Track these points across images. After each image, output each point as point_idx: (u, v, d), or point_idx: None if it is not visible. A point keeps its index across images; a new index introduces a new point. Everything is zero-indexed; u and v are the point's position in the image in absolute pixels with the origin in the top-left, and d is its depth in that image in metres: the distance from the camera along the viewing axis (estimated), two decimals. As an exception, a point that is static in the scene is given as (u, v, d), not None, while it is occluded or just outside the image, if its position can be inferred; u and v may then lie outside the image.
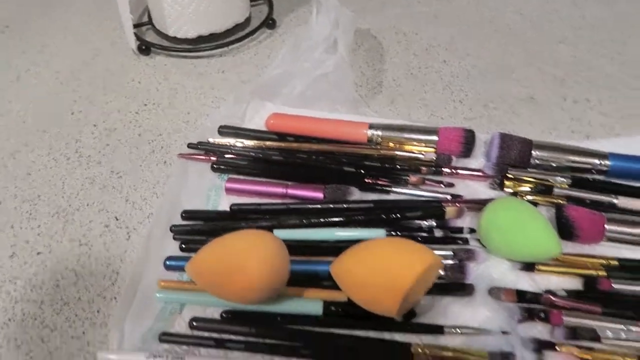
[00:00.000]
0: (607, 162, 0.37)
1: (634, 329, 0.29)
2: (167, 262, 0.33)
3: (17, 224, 0.37)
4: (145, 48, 0.50)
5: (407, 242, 0.30)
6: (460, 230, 0.35)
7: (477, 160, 0.39)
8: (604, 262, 0.33)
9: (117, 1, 0.47)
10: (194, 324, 0.31)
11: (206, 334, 0.31)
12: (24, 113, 0.45)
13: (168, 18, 0.48)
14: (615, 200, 0.35)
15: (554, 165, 0.37)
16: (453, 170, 0.38)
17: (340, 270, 0.30)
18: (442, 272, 0.32)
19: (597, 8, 0.54)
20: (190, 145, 0.40)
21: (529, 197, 0.36)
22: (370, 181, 0.37)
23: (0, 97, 0.47)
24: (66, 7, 0.58)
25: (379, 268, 0.28)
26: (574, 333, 0.29)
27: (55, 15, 0.57)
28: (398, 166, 0.38)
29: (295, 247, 0.33)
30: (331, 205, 0.36)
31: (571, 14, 0.54)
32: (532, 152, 0.38)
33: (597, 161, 0.37)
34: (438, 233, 0.34)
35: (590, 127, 0.43)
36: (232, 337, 0.30)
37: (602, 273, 0.32)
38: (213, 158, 0.39)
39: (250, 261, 0.29)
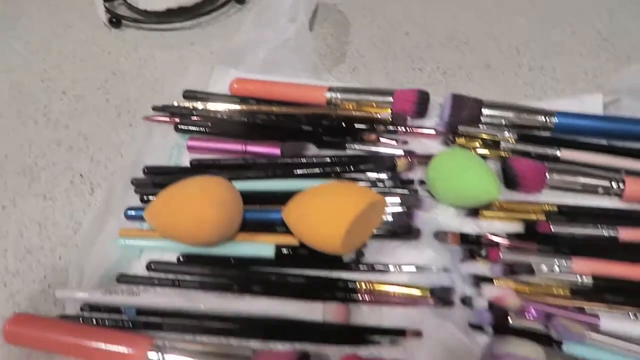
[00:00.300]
0: (554, 119, 0.38)
1: (566, 263, 0.31)
2: (128, 212, 0.35)
3: (-10, 181, 0.38)
4: (116, 21, 0.51)
5: (352, 184, 0.32)
6: (411, 181, 0.36)
7: (432, 120, 0.41)
8: (545, 208, 0.34)
9: (87, -26, 0.48)
10: (152, 266, 0.32)
11: (162, 276, 0.32)
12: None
13: (137, -9, 0.49)
14: (558, 153, 0.37)
15: (503, 122, 0.39)
16: (408, 129, 0.40)
17: (290, 213, 0.31)
18: (390, 218, 0.33)
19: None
20: (155, 108, 0.41)
21: (479, 152, 0.38)
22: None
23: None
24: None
25: (324, 207, 0.30)
26: (511, 269, 0.31)
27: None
28: (355, 125, 0.40)
29: (251, 198, 0.34)
30: (288, 160, 0.37)
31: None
32: (483, 110, 0.39)
33: (544, 118, 0.39)
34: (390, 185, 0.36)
35: (542, 91, 0.44)
36: (188, 278, 0.32)
37: (542, 217, 0.34)
38: (175, 120, 0.41)
39: (203, 202, 0.30)
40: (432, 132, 0.39)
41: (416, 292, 0.30)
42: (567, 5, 0.53)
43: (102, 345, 0.27)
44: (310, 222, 0.30)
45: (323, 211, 0.29)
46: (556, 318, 0.28)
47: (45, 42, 0.51)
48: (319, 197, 0.30)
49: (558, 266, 0.31)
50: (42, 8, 0.55)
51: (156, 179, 0.37)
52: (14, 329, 0.28)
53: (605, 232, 0.32)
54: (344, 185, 0.31)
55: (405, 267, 0.32)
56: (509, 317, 0.29)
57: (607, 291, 0.30)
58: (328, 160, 0.37)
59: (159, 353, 0.27)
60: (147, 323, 0.29)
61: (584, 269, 0.30)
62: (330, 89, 0.41)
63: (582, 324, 0.28)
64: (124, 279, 0.32)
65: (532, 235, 0.33)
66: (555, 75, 0.46)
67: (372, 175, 0.36)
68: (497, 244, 0.32)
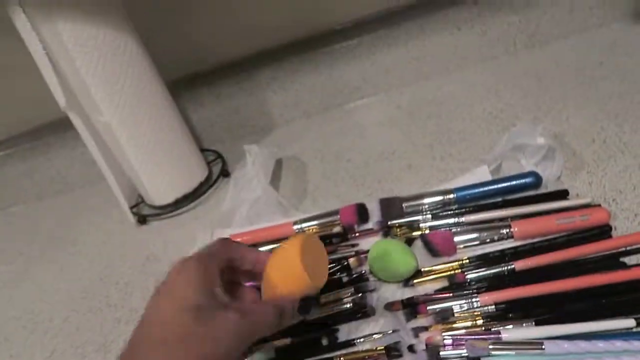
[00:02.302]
0: (452, 196, 0.52)
1: (474, 300, 0.42)
2: None
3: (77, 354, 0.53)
4: (142, 219, 0.69)
5: (285, 242, 0.40)
6: (362, 273, 0.49)
7: (373, 222, 0.55)
8: (460, 262, 0.46)
9: (116, 195, 0.68)
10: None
11: None
12: (69, 290, 0.64)
13: (151, 193, 0.68)
14: (461, 219, 0.49)
15: (421, 208, 0.53)
16: (356, 234, 0.53)
17: (266, 287, 0.39)
18: (349, 305, 0.46)
19: (451, 85, 0.73)
20: (179, 275, 0.57)
21: (406, 235, 0.51)
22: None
23: (51, 282, 0.66)
24: (86, 208, 0.80)
25: (276, 266, 0.39)
26: (439, 316, 0.42)
27: (80, 217, 0.78)
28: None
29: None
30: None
31: (434, 95, 0.72)
32: (403, 204, 0.53)
33: (445, 197, 0.52)
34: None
35: (452, 173, 0.58)
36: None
37: (458, 270, 0.46)
38: (195, 278, 0.56)
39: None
40: (373, 231, 0.53)
41: (375, 352, 0.42)
42: (465, 98, 0.69)
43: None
44: (279, 277, 0.38)
45: (277, 267, 0.39)
46: (467, 341, 0.38)
47: (98, 250, 0.69)
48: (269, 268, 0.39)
49: (468, 303, 0.42)
50: (90, 228, 0.75)
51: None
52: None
53: (505, 267, 0.44)
54: (277, 251, 0.40)
55: (366, 338, 0.43)
56: (440, 352, 0.39)
57: (508, 311, 0.41)
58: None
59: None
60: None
61: (487, 301, 0.42)
62: (295, 222, 0.56)
63: (487, 340, 0.38)
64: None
65: (456, 286, 0.45)
66: (460, 158, 0.60)
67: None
68: (423, 301, 0.44)
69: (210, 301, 0.32)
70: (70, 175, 0.86)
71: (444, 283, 0.46)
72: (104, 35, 0.57)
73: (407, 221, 0.52)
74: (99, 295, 0.61)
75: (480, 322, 0.41)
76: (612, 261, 0.42)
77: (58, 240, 0.75)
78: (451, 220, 0.50)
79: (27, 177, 0.85)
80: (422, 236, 0.49)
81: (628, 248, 0.42)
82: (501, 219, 0.48)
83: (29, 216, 0.84)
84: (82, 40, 0.56)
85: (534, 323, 0.39)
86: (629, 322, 0.37)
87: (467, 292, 0.43)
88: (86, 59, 0.56)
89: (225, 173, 0.73)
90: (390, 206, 0.54)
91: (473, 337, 0.39)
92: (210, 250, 0.37)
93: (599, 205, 0.46)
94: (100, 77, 0.58)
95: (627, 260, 0.42)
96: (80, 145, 0.81)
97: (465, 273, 0.45)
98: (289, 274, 0.38)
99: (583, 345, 0.36)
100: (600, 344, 0.36)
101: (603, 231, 0.44)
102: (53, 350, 0.56)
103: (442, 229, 0.49)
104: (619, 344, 0.35)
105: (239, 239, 0.58)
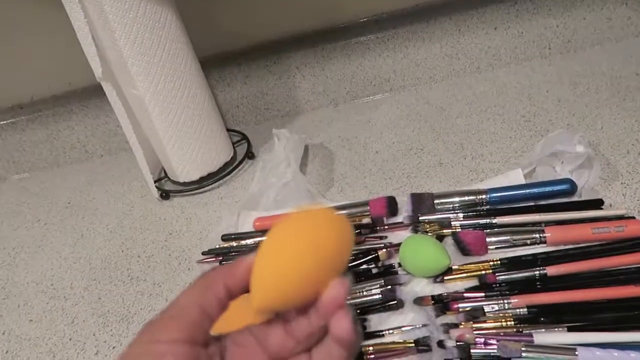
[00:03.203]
0: (485, 196, 0.52)
1: (506, 302, 0.42)
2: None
3: (97, 332, 0.53)
4: (165, 195, 0.69)
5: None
6: (392, 266, 0.49)
7: (403, 215, 0.55)
8: (491, 264, 0.47)
9: (141, 169, 0.68)
10: None
11: None
12: (89, 258, 0.64)
13: (176, 170, 0.68)
14: (494, 220, 0.50)
15: (452, 206, 0.53)
16: (385, 227, 0.54)
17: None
18: (379, 296, 0.46)
19: (482, 85, 0.73)
20: (203, 253, 0.57)
21: (438, 231, 0.51)
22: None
23: (71, 250, 0.66)
24: (105, 178, 0.80)
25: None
26: (470, 314, 0.43)
27: (99, 186, 0.78)
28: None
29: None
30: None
31: (465, 93, 0.72)
32: (435, 201, 0.53)
33: (479, 196, 0.52)
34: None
35: (483, 174, 0.58)
36: None
37: (489, 271, 0.46)
38: (220, 258, 0.56)
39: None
40: (402, 224, 0.53)
41: (404, 345, 0.42)
42: (496, 99, 0.69)
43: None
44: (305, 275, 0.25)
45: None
46: (500, 342, 0.39)
47: (119, 221, 0.69)
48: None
49: (501, 305, 0.42)
50: (110, 198, 0.74)
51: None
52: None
53: (537, 272, 0.44)
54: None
55: (396, 330, 0.44)
56: (470, 349, 0.40)
57: (540, 315, 0.41)
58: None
59: None
60: None
61: (519, 303, 0.42)
62: (324, 211, 0.56)
63: (520, 342, 0.39)
64: None
65: (486, 286, 0.45)
66: (492, 159, 0.60)
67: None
68: (455, 299, 0.44)
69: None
70: (91, 143, 0.85)
71: (474, 282, 0.46)
72: (145, 7, 0.56)
73: (438, 218, 0.52)
74: (120, 267, 0.61)
75: (510, 323, 0.41)
76: (645, 274, 0.42)
77: (77, 208, 0.75)
78: (483, 221, 0.50)
79: (47, 143, 0.85)
80: (454, 234, 0.49)
81: (662, 262, 0.43)
82: (534, 224, 0.48)
83: (47, 182, 0.83)
84: (123, 11, 0.55)
85: (566, 329, 0.40)
86: (662, 335, 0.37)
87: (499, 293, 0.43)
88: (126, 30, 0.56)
89: (250, 155, 0.72)
90: (422, 201, 0.54)
91: (505, 337, 0.39)
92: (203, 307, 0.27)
93: (634, 218, 0.47)
94: (138, 50, 0.57)
95: (661, 274, 0.42)
96: (102, 114, 0.81)
97: (496, 274, 0.45)
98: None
99: (616, 354, 0.37)
100: (633, 354, 0.37)
101: (638, 243, 0.44)
102: (74, 317, 0.56)
103: (474, 229, 0.49)
104: (651, 356, 0.36)
105: (266, 222, 0.58)
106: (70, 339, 0.54)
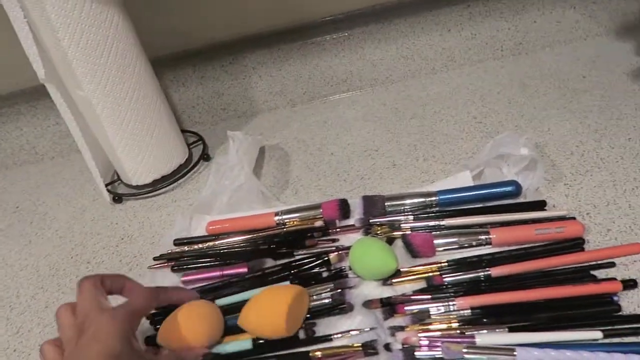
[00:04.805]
0: (434, 198, 0.52)
1: (451, 303, 0.43)
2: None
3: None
4: (117, 198, 0.68)
5: (278, 287, 0.45)
6: (342, 269, 0.50)
7: (355, 218, 0.55)
8: (439, 265, 0.47)
9: (91, 171, 0.66)
10: (168, 376, 0.45)
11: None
12: (37, 265, 0.62)
13: (128, 173, 0.66)
14: (442, 223, 0.50)
15: (402, 209, 0.53)
16: (337, 230, 0.54)
17: (242, 321, 0.45)
18: (328, 300, 0.46)
19: (437, 86, 0.73)
20: (155, 258, 0.56)
21: (387, 234, 0.51)
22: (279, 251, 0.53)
23: (17, 257, 0.64)
24: (56, 181, 0.77)
25: (264, 307, 0.43)
26: (416, 316, 0.43)
27: (49, 189, 0.76)
28: (299, 236, 0.54)
29: (232, 309, 0.47)
30: (254, 274, 0.51)
31: (419, 94, 0.73)
32: (386, 203, 0.54)
33: (429, 199, 0.53)
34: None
35: (435, 176, 0.59)
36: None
37: (436, 273, 0.47)
38: (171, 264, 0.55)
39: (194, 322, 0.44)
40: (354, 227, 0.53)
41: (352, 349, 0.42)
42: (450, 100, 0.70)
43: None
44: (258, 321, 0.43)
45: (265, 310, 0.43)
46: (442, 344, 0.40)
47: (69, 226, 0.67)
48: (258, 304, 0.44)
49: (445, 306, 0.43)
50: (60, 202, 0.72)
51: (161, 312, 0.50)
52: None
53: (481, 273, 0.45)
54: (272, 290, 0.45)
55: (344, 334, 0.44)
56: (415, 352, 0.41)
57: (483, 316, 0.42)
58: (280, 267, 0.51)
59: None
60: None
61: (464, 305, 0.43)
62: (277, 213, 0.56)
63: (461, 344, 0.39)
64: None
65: (433, 288, 0.46)
66: (444, 160, 0.61)
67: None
68: (403, 301, 0.44)
69: (130, 351, 0.37)
70: (41, 145, 0.83)
71: (422, 284, 0.47)
72: (90, 7, 0.54)
73: (389, 220, 0.52)
74: (69, 274, 0.60)
75: (455, 325, 0.42)
76: (583, 274, 0.44)
77: (26, 213, 0.72)
78: (432, 223, 0.51)
79: (-6, 145, 0.82)
80: (404, 237, 0.50)
81: (599, 262, 0.44)
82: (480, 225, 0.49)
83: (-5, 185, 0.81)
84: (66, 10, 0.53)
85: (507, 329, 0.41)
86: (596, 334, 0.39)
87: (445, 295, 0.44)
88: (70, 30, 0.54)
89: (206, 157, 0.71)
90: (373, 204, 0.54)
91: (448, 339, 0.40)
92: (135, 306, 0.41)
93: (574, 218, 0.48)
94: (83, 51, 0.56)
95: (597, 273, 0.43)
96: (53, 115, 0.79)
97: (443, 276, 0.46)
98: (273, 327, 0.43)
99: (553, 354, 0.38)
100: (569, 353, 0.38)
101: (576, 244, 0.46)
102: (19, 327, 0.54)
103: (423, 231, 0.50)
104: (586, 355, 0.37)
105: (218, 226, 0.58)
106: (14, 350, 0.52)
